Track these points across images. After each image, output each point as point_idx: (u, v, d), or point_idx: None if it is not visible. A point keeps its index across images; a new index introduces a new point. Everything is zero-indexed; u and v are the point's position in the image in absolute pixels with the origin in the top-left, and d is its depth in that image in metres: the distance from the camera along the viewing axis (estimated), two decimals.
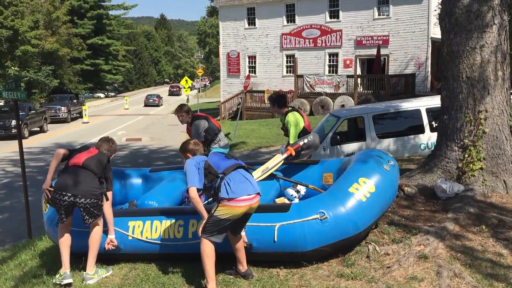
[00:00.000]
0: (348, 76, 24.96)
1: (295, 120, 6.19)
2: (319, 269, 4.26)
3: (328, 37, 28.15)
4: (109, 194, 4.62)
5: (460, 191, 5.52)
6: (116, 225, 4.68)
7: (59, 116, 32.62)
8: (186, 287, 4.14)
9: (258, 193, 4.08)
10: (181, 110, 6.67)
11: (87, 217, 4.44)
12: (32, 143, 22.09)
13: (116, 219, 4.70)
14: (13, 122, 24.13)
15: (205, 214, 4.00)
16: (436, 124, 8.14)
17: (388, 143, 9.82)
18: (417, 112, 9.83)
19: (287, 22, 29.72)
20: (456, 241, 4.61)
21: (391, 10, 25.78)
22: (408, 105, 10.20)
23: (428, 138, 9.53)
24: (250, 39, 31.38)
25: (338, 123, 10.00)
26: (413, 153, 9.53)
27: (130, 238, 4.66)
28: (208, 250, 3.96)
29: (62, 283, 4.42)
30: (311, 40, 28.81)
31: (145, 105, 47.78)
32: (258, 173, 5.40)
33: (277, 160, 5.57)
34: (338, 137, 9.96)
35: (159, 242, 4.59)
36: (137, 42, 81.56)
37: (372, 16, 26.46)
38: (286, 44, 29.83)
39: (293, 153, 5.61)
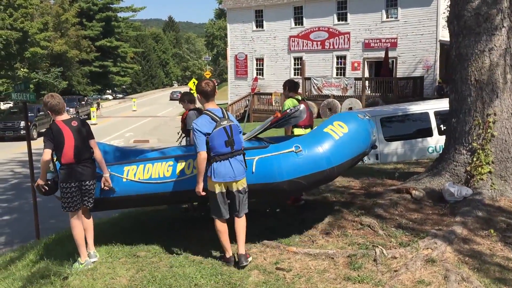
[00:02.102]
0: (356, 79, 24.94)
1: (292, 103, 6.35)
2: (325, 272, 4.25)
3: (336, 39, 28.12)
4: (93, 142, 5.08)
5: (468, 194, 5.49)
6: (113, 171, 5.13)
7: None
8: None
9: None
10: (183, 98, 6.92)
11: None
12: (40, 144, 22.16)
13: (114, 167, 5.19)
14: (22, 123, 24.33)
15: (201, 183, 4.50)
16: (445, 127, 8.11)
17: (396, 146, 9.78)
18: (425, 115, 9.78)
19: (295, 25, 29.74)
20: (464, 245, 4.58)
21: (399, 12, 25.72)
22: (416, 108, 10.15)
23: (437, 141, 9.49)
24: (258, 41, 31.43)
25: None
26: (421, 156, 9.49)
27: (124, 180, 5.08)
28: (218, 226, 4.61)
29: (92, 262, 4.94)
30: (319, 43, 28.80)
31: (170, 99, 57.71)
32: (248, 134, 5.77)
33: (265, 123, 5.81)
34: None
35: (151, 181, 4.97)
36: (145, 44, 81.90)
37: (381, 19, 26.41)
38: (294, 46, 29.84)
39: (279, 115, 5.79)
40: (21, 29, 33.77)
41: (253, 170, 4.70)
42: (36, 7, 41.58)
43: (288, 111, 5.77)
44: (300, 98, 6.61)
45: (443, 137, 6.79)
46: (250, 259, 4.59)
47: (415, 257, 4.31)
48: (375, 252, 4.42)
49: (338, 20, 28.01)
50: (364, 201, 5.97)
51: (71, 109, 33.21)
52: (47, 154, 4.81)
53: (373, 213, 5.37)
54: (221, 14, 76.05)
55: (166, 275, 4.41)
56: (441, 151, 6.80)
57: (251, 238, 5.12)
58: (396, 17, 25.92)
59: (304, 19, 29.31)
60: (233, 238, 4.65)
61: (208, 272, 4.37)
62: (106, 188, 5.05)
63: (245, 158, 4.63)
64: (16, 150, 21.62)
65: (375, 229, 4.96)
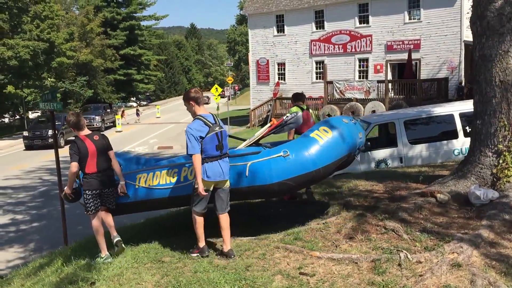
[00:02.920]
0: (378, 81, 24.71)
1: (296, 110, 6.83)
2: (349, 277, 4.23)
3: (358, 42, 27.95)
4: (111, 153, 5.75)
5: (495, 197, 5.39)
6: (127, 179, 5.77)
7: (93, 125, 33.46)
8: None
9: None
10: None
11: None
12: (68, 152, 22.71)
13: (128, 175, 5.82)
14: (50, 132, 24.89)
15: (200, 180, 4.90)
16: (470, 129, 7.98)
17: (421, 149, 9.67)
18: (450, 117, 9.65)
19: (316, 29, 29.68)
20: (491, 248, 4.50)
21: (422, 13, 25.42)
22: (441, 110, 10.02)
23: (462, 143, 9.34)
24: (279, 46, 31.46)
25: (368, 129, 9.91)
26: (446, 159, 9.35)
27: (137, 186, 5.73)
28: (197, 219, 5.11)
29: (116, 245, 5.61)
30: (340, 46, 28.67)
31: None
32: (247, 142, 6.16)
33: (262, 130, 6.24)
34: (369, 143, 9.86)
35: (159, 187, 5.59)
36: (168, 52, 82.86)
37: (403, 20, 26.15)
38: (315, 50, 29.78)
39: (275, 122, 6.31)
40: (47, 40, 34.54)
41: (247, 174, 5.25)
42: (62, 18, 42.48)
43: (284, 118, 6.20)
44: (304, 107, 7.36)
45: (469, 139, 6.69)
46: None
47: (441, 261, 4.25)
48: (400, 257, 4.37)
49: (360, 23, 27.85)
50: (388, 205, 5.92)
51: (97, 117, 33.80)
52: (75, 167, 5.47)
53: (397, 217, 5.32)
54: (242, 20, 76.47)
55: (190, 280, 4.46)
56: (466, 153, 6.70)
57: (274, 243, 5.14)
58: (419, 18, 25.62)
59: (325, 22, 29.23)
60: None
61: (232, 277, 4.39)
62: (121, 194, 5.72)
63: (240, 163, 5.27)
64: (44, 158, 22.12)
65: (399, 233, 4.92)
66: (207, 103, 40.69)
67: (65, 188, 5.79)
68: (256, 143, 6.06)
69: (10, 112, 43.91)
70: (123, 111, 42.41)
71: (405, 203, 5.75)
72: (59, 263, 6.07)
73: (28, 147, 26.16)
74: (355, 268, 4.36)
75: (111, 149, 5.77)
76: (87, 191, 5.57)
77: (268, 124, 6.32)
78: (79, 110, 40.68)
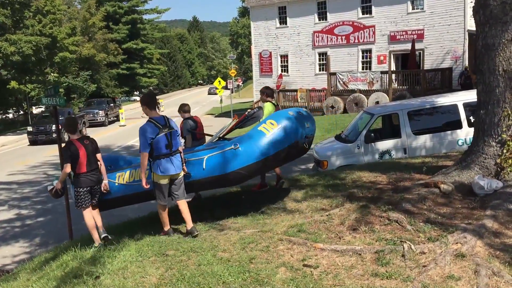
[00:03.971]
0: (382, 72, 24.61)
1: (268, 112, 7.45)
2: (353, 268, 4.23)
3: (361, 33, 27.82)
4: (99, 155, 6.49)
5: (499, 187, 5.38)
6: (109, 177, 6.49)
7: (97, 120, 33.51)
8: (220, 286, 4.19)
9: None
10: (180, 110, 8.32)
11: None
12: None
13: (110, 174, 6.54)
14: (54, 127, 24.94)
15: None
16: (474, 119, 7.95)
17: (425, 139, 9.64)
18: (454, 107, 9.60)
19: (319, 20, 29.55)
20: (495, 239, 4.49)
21: (425, 3, 25.25)
22: (445, 100, 9.97)
23: (466, 133, 9.30)
24: (282, 38, 31.35)
25: (372, 120, 9.89)
26: (450, 149, 9.32)
27: (116, 184, 6.46)
28: (160, 208, 5.96)
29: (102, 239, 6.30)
30: (343, 37, 28.55)
31: (208, 93, 64.46)
32: (213, 137, 6.91)
33: (226, 125, 6.98)
34: (373, 134, 9.84)
35: (134, 183, 6.25)
36: (170, 45, 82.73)
37: (406, 10, 25.99)
38: (318, 42, 29.66)
39: (237, 118, 7.09)
40: (50, 35, 34.48)
41: (204, 167, 5.96)
42: (64, 13, 42.43)
43: (246, 113, 6.73)
44: (275, 103, 8.03)
45: (473, 129, 6.65)
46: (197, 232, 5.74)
47: (444, 252, 4.25)
48: (403, 248, 4.37)
49: (363, 13, 27.69)
50: (391, 196, 5.91)
51: (100, 111, 33.83)
52: (68, 167, 6.23)
53: (400, 208, 5.31)
54: (244, 12, 76.17)
55: (194, 273, 4.47)
56: (470, 144, 6.67)
57: (277, 235, 5.15)
58: (422, 8, 25.45)
59: (328, 14, 29.08)
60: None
61: (235, 270, 4.40)
62: (104, 191, 6.44)
63: (198, 157, 6.05)
64: (49, 153, 22.18)
65: (403, 224, 4.91)
66: (216, 94, 41.14)
67: (55, 183, 6.55)
68: (223, 138, 6.72)
69: (14, 108, 44.01)
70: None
71: (409, 194, 5.74)
72: (64, 257, 6.10)
73: (33, 142, 26.23)
74: (359, 260, 4.37)
75: (99, 152, 6.53)
76: (79, 189, 6.30)
77: (231, 121, 7.05)
78: (82, 105, 40.82)
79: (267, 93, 8.04)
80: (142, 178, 5.75)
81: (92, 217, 6.44)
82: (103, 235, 6.39)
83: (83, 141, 6.36)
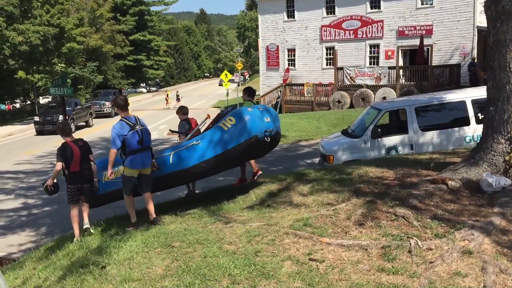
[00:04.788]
0: (389, 68, 24.48)
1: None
2: (359, 263, 4.22)
3: (369, 28, 27.66)
4: (91, 156, 7.20)
5: (507, 185, 5.34)
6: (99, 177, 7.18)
7: (103, 111, 33.60)
8: (226, 278, 4.20)
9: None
10: (178, 111, 8.95)
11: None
12: (77, 137, 22.86)
13: (99, 173, 7.18)
14: (60, 117, 25.04)
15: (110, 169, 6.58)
16: (482, 116, 7.89)
17: (432, 135, 9.59)
18: (462, 104, 9.54)
19: (327, 14, 29.39)
20: (502, 236, 4.46)
21: None
22: (453, 96, 9.90)
23: (474, 130, 9.25)
24: (289, 31, 31.22)
25: (379, 115, 9.84)
26: (458, 146, 9.27)
27: (103, 181, 7.13)
28: (127, 199, 6.65)
29: (85, 231, 6.85)
30: (351, 32, 28.40)
31: (219, 85, 63.34)
32: (189, 135, 7.60)
33: (201, 123, 8.26)
34: (379, 130, 9.79)
35: (115, 180, 6.86)
36: (177, 37, 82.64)
37: (415, 5, 25.79)
38: (326, 36, 29.52)
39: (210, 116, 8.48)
40: (57, 25, 34.51)
41: (171, 162, 6.60)
42: (72, 3, 42.45)
43: (220, 111, 7.57)
44: (255, 102, 8.59)
45: (481, 126, 6.61)
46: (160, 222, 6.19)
47: (451, 248, 4.23)
48: (410, 244, 4.35)
49: (371, 8, 27.51)
50: (398, 192, 5.88)
51: (107, 102, 33.91)
52: (59, 166, 6.89)
53: (407, 204, 5.29)
54: (252, 5, 75.92)
55: (200, 265, 4.48)
56: (478, 141, 6.63)
57: (283, 229, 5.14)
58: (431, 3, 25.24)
59: (336, 8, 28.91)
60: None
61: (241, 263, 4.41)
62: (94, 189, 7.17)
63: (167, 154, 6.69)
64: (55, 143, 22.22)
65: (410, 220, 4.89)
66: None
67: (47, 181, 7.06)
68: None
69: (22, 98, 44.17)
70: (167, 95, 41.89)
71: (416, 190, 5.71)
72: (70, 247, 6.13)
73: (39, 132, 26.36)
74: (365, 255, 4.35)
75: (91, 153, 7.22)
76: (70, 186, 6.98)
77: (204, 119, 7.97)
78: (89, 96, 40.90)
79: (248, 93, 8.68)
80: (108, 169, 6.55)
81: (77, 214, 7.07)
82: (85, 226, 6.97)
83: (77, 143, 7.05)
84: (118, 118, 6.79)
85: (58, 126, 7.28)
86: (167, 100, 41.03)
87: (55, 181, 7.12)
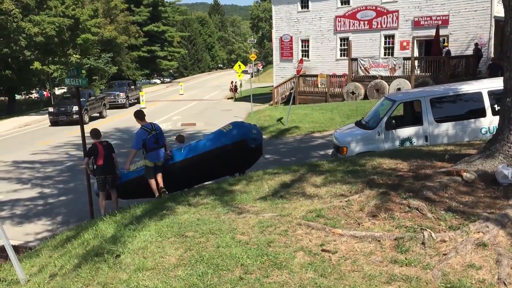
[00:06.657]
0: (404, 59, 24.21)
1: None
2: (372, 255, 4.22)
3: (384, 18, 27.35)
4: (113, 155, 9.50)
5: None
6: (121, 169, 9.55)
7: (117, 102, 33.82)
8: (239, 268, 4.22)
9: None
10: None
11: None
12: (91, 127, 23.08)
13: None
14: (75, 108, 25.23)
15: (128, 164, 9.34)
16: (499, 107, 7.77)
17: (447, 127, 9.49)
18: (478, 95, 9.42)
19: (341, 4, 29.11)
20: None
21: None
22: (469, 87, 9.78)
23: (490, 122, 9.14)
24: (303, 22, 31.01)
25: (393, 107, 9.77)
26: (473, 138, 9.17)
27: (125, 171, 9.43)
28: (151, 182, 9.01)
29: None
30: (366, 22, 28.12)
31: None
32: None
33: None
34: (394, 121, 9.72)
35: (134, 170, 9.40)
36: (191, 28, 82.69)
37: None
38: (340, 26, 29.27)
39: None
40: (72, 16, 34.67)
41: (182, 152, 9.35)
42: None
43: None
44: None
45: (497, 117, 6.52)
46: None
47: (466, 240, 4.20)
48: (423, 235, 4.33)
49: None
50: (412, 183, 5.84)
51: (121, 93, 34.12)
52: (86, 160, 9.24)
53: (421, 196, 5.25)
54: None
55: (213, 255, 4.51)
56: (494, 132, 6.54)
57: (296, 220, 5.14)
58: None
59: None
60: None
61: (254, 253, 4.43)
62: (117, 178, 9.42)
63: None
64: (70, 133, 22.50)
65: (424, 212, 4.86)
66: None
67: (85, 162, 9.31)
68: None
69: (37, 88, 44.59)
70: (235, 86, 39.69)
71: (430, 181, 5.67)
72: (86, 236, 6.21)
73: (53, 123, 26.58)
74: (378, 246, 4.34)
75: (114, 151, 9.39)
76: (97, 176, 9.19)
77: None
78: (104, 87, 41.15)
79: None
80: (127, 164, 9.26)
81: (103, 199, 9.27)
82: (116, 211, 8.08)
83: (103, 143, 9.26)
84: (132, 109, 6.92)
85: (92, 131, 9.46)
86: (236, 87, 39.10)
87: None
